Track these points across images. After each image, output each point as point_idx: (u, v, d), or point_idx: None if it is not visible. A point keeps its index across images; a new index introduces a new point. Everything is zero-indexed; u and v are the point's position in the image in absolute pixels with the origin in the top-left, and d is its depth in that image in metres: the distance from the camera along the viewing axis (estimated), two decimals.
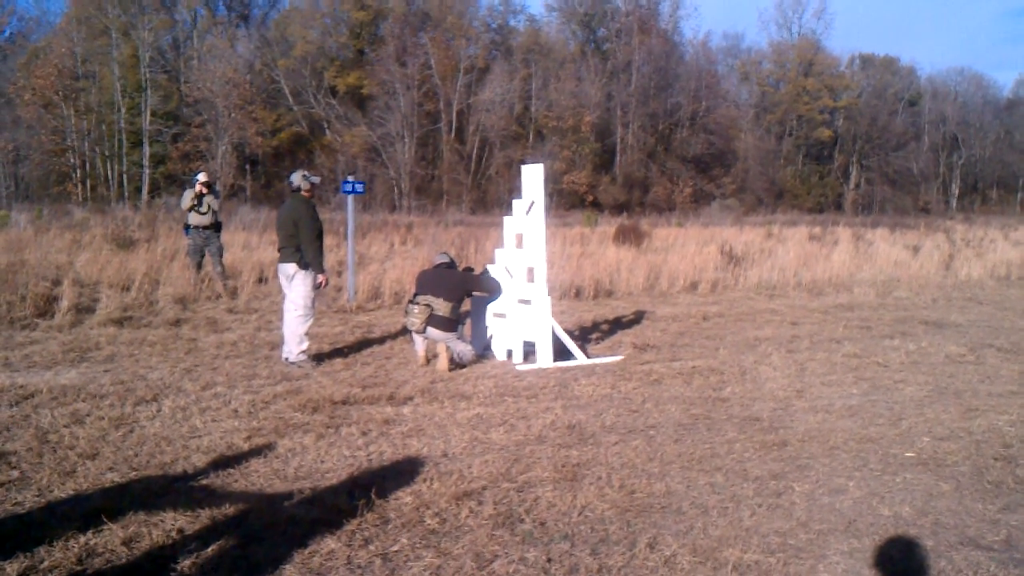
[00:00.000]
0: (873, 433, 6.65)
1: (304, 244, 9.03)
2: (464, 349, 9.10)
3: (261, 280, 15.57)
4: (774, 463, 5.87)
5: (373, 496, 4.96)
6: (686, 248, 23.00)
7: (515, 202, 9.88)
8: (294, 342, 9.01)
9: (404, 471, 5.54)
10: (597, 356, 9.89)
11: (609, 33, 76.66)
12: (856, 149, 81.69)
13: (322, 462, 5.72)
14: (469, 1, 73.79)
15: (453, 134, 67.05)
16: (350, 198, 14.23)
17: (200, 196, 14.22)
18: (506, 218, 10.03)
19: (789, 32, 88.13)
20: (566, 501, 5.04)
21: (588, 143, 67.74)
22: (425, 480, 5.35)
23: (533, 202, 9.56)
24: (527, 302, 9.45)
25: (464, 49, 69.30)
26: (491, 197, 62.55)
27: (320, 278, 9.11)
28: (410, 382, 8.29)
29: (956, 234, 33.33)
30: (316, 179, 9.47)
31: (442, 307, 8.98)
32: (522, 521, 4.75)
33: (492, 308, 9.86)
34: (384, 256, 20.20)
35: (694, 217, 51.35)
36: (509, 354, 9.70)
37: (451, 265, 9.72)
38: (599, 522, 4.76)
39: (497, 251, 10.03)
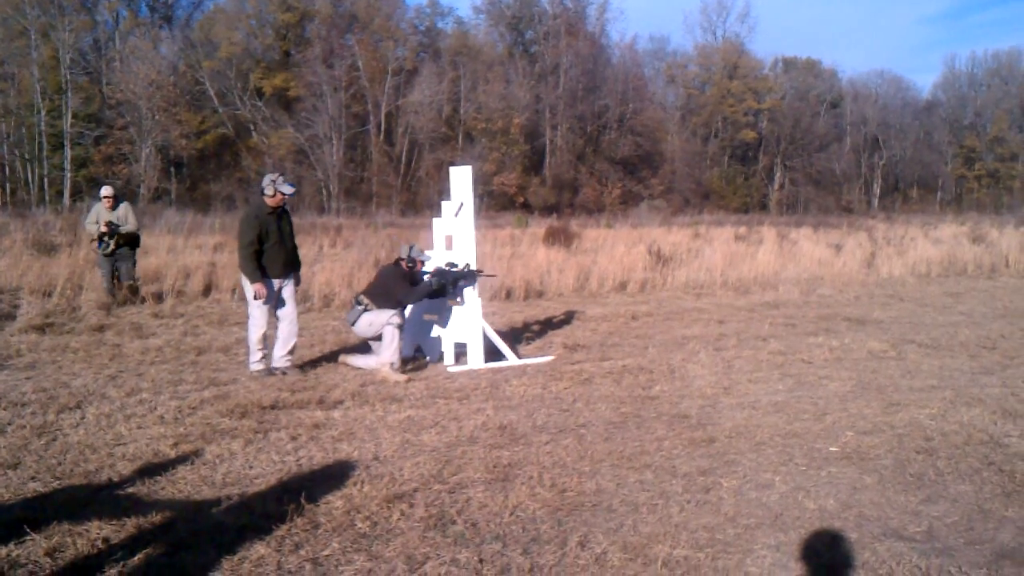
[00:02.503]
0: (798, 428, 6.77)
1: (237, 250, 8.87)
2: (367, 362, 9.05)
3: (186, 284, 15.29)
4: (702, 459, 5.95)
5: (303, 501, 4.92)
6: (615, 249, 23.16)
7: (444, 204, 9.87)
8: (250, 350, 8.81)
9: (334, 475, 5.50)
10: (528, 357, 9.92)
11: (537, 36, 76.90)
12: (780, 150, 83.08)
13: (251, 468, 5.65)
14: (396, 3, 73.51)
15: (382, 136, 66.71)
16: None
17: (109, 224, 13.22)
18: (435, 220, 10.02)
19: (714, 35, 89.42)
20: (498, 501, 5.05)
21: (517, 145, 67.90)
22: (356, 484, 5.32)
23: (462, 204, 9.57)
24: (458, 303, 9.45)
25: (392, 51, 68.95)
26: (421, 199, 62.34)
27: (253, 287, 8.60)
28: (340, 386, 8.23)
29: (878, 233, 34.05)
30: (288, 189, 8.84)
31: (367, 302, 8.98)
32: (454, 522, 4.74)
33: (423, 309, 9.83)
34: (313, 259, 19.99)
35: (623, 218, 51.73)
36: (441, 356, 9.69)
37: (404, 263, 9.35)
38: (531, 522, 4.78)
39: (427, 253, 10.01)
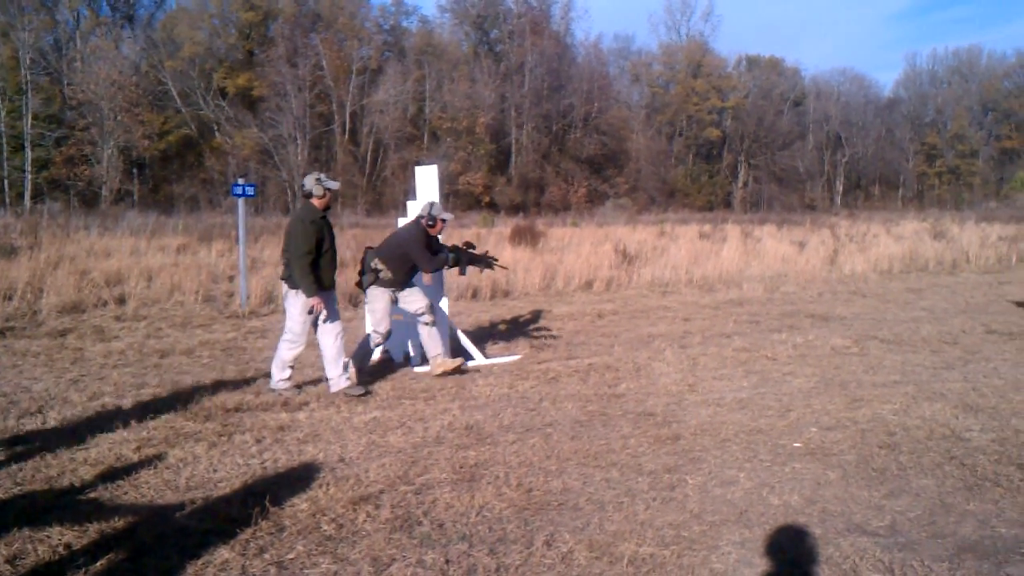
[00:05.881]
0: (763, 425, 6.82)
1: (292, 260, 7.81)
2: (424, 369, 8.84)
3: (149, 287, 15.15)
4: (668, 457, 5.97)
5: (268, 504, 4.89)
6: (581, 247, 23.22)
7: (410, 203, 9.84)
8: (277, 368, 7.95)
9: (299, 477, 5.47)
10: (495, 356, 9.92)
11: (502, 35, 76.86)
12: (744, 148, 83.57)
13: (215, 471, 5.61)
14: (360, 2, 73.24)
15: (347, 136, 66.41)
16: (241, 201, 13.97)
17: None
18: (401, 220, 9.98)
19: (678, 34, 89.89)
20: (464, 502, 5.05)
21: (483, 144, 67.82)
22: (321, 486, 5.29)
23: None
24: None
25: (356, 50, 68.66)
26: (387, 199, 62.10)
27: (310, 301, 7.77)
28: (305, 387, 8.19)
29: (840, 230, 34.35)
30: (334, 184, 8.14)
31: (381, 267, 8.54)
32: (420, 523, 4.73)
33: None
34: (277, 260, 19.86)
35: (589, 217, 51.84)
36: (406, 357, 9.67)
37: (424, 221, 8.77)
38: (497, 521, 4.77)
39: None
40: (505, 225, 37.29)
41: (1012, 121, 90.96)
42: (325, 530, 4.63)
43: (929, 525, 4.77)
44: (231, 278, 16.47)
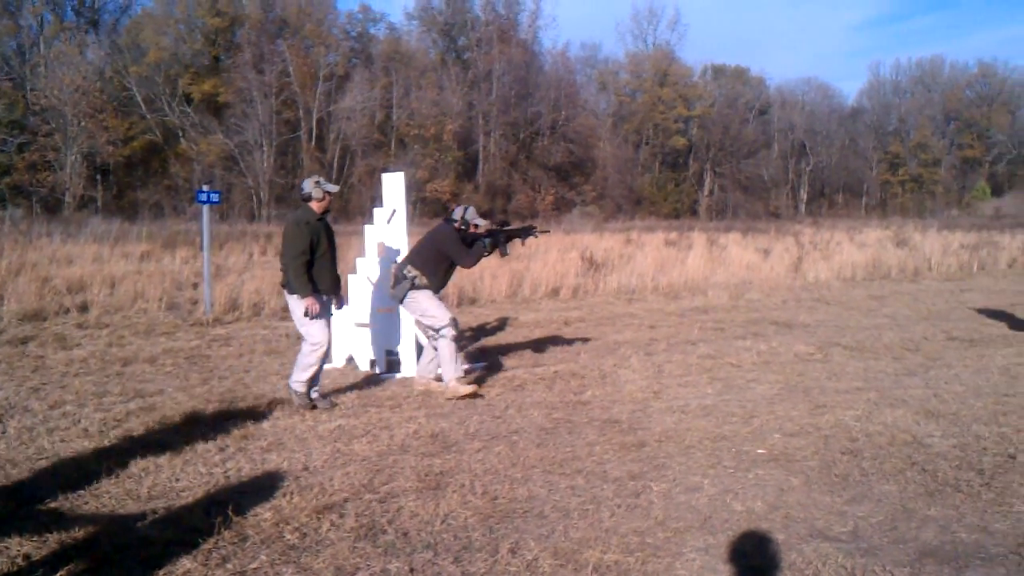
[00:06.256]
0: (727, 431, 6.85)
1: (286, 262, 7.70)
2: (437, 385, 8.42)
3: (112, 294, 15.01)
4: (633, 464, 5.99)
5: (230, 513, 4.85)
6: (548, 255, 23.23)
7: (377, 211, 9.82)
8: (297, 368, 7.70)
9: (263, 486, 5.43)
10: (460, 364, 9.90)
11: (469, 42, 76.84)
12: (710, 157, 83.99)
13: (177, 480, 5.56)
14: (328, 8, 72.90)
15: (313, 142, 66.10)
16: (205, 208, 13.87)
17: None
18: (367, 227, 9.96)
19: (644, 43, 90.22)
20: (429, 510, 5.03)
21: (450, 151, 67.75)
22: (285, 495, 5.26)
23: (394, 210, 9.54)
24: (389, 311, 9.39)
25: (323, 57, 68.34)
26: (353, 206, 61.83)
27: (305, 302, 7.57)
28: (270, 395, 8.14)
29: (804, 237, 34.58)
30: (333, 187, 8.02)
31: (415, 273, 8.23)
32: (384, 532, 4.71)
33: (355, 317, 9.76)
34: (242, 267, 19.78)
35: (556, 224, 51.91)
36: (372, 364, 9.63)
37: (457, 225, 8.52)
38: (462, 529, 4.77)
39: (358, 260, 9.95)
40: None
41: (974, 130, 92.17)
42: (289, 539, 4.60)
43: (891, 530, 4.81)
44: (195, 285, 16.34)
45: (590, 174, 75.98)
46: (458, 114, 69.19)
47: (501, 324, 13.40)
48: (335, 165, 65.71)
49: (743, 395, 8.29)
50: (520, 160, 73.44)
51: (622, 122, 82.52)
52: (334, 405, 7.77)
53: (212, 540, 4.55)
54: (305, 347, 7.68)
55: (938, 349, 11.08)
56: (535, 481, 5.60)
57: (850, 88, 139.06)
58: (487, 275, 17.75)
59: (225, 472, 5.74)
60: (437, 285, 8.40)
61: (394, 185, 9.57)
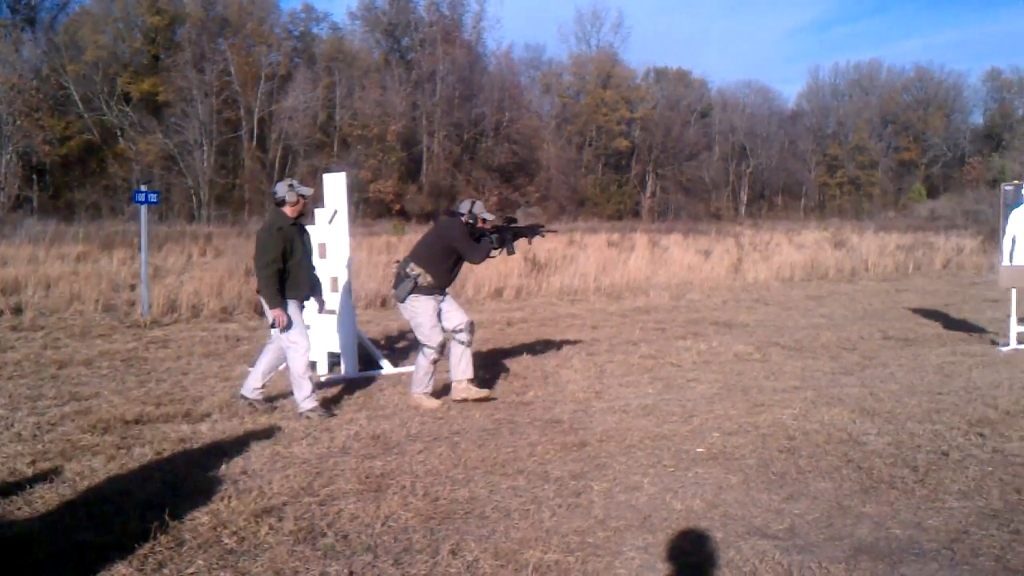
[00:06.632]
0: (667, 431, 6.90)
1: (256, 269, 7.53)
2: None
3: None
4: (574, 463, 6.01)
5: (167, 518, 4.78)
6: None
7: (318, 211, 9.75)
8: (296, 387, 7.49)
9: (200, 490, 5.36)
10: (403, 365, 9.87)
11: (413, 43, 76.61)
12: (652, 159, 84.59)
13: (113, 485, 5.47)
14: (270, 7, 72.20)
15: (255, 142, 65.44)
16: (143, 208, 13.67)
17: None
18: (309, 227, 9.87)
19: (588, 45, 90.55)
20: (369, 512, 5.01)
21: (394, 152, 67.47)
22: (223, 498, 5.19)
23: (336, 211, 9.47)
24: (332, 312, 9.33)
25: (265, 56, 67.72)
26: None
27: (273, 313, 7.37)
28: (208, 398, 8.04)
29: (744, 239, 35.00)
30: (307, 191, 7.70)
31: (419, 271, 7.83)
32: (324, 535, 4.68)
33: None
34: (181, 268, 19.53)
35: None
36: (313, 365, 9.55)
37: (464, 219, 8.09)
38: (403, 531, 4.75)
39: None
40: (416, 233, 37.08)
41: (910, 133, 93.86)
42: (226, 543, 4.55)
43: (827, 527, 4.88)
44: (133, 287, 16.10)
45: (534, 175, 76.13)
46: (401, 114, 68.95)
47: None
48: (277, 165, 65.09)
49: (683, 395, 8.37)
50: (464, 161, 73.39)
51: (566, 124, 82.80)
52: (274, 409, 7.70)
53: (148, 545, 4.47)
54: (290, 354, 7.49)
55: (874, 348, 11.27)
56: (476, 482, 5.60)
57: (790, 91, 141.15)
58: None
59: (162, 476, 5.66)
60: (442, 283, 7.99)
61: (336, 186, 9.51)
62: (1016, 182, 11.69)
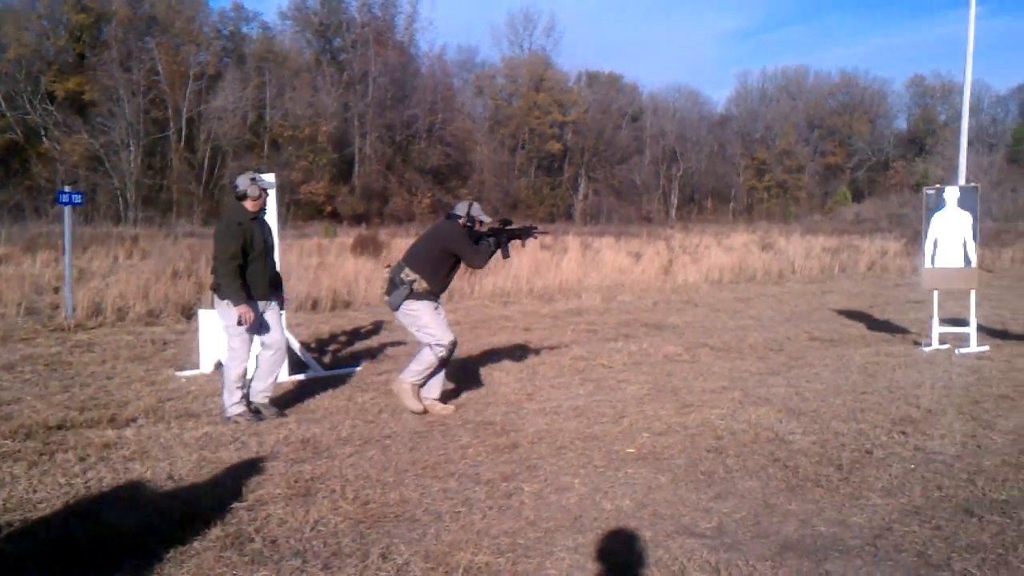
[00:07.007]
0: (598, 431, 6.95)
1: (217, 265, 7.28)
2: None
3: None
4: (505, 465, 6.03)
5: (92, 525, 4.69)
6: None
7: None
8: (226, 392, 7.34)
9: (126, 497, 5.27)
10: (334, 368, 9.80)
11: (345, 43, 76.08)
12: (584, 162, 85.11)
13: (35, 492, 5.35)
14: (199, 6, 71.10)
15: (183, 143, 64.40)
16: (67, 209, 13.38)
17: None
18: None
19: (520, 48, 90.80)
20: (298, 517, 4.96)
21: (325, 153, 66.93)
22: (148, 505, 5.11)
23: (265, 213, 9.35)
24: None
25: (194, 55, 66.71)
26: (224, 208, 60.47)
27: (238, 310, 7.14)
28: (133, 403, 7.89)
29: (675, 241, 35.34)
30: (270, 184, 7.58)
31: (414, 277, 7.46)
32: (252, 540, 4.62)
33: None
34: (107, 270, 19.14)
35: None
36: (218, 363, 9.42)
37: (462, 221, 7.77)
38: (332, 536, 4.71)
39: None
40: (348, 235, 36.86)
41: (836, 138, 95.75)
42: (152, 550, 4.46)
43: (754, 525, 4.95)
44: (56, 290, 15.74)
45: (467, 177, 76.09)
46: (333, 115, 68.45)
47: (376, 328, 13.31)
48: (206, 166, 64.20)
49: (614, 395, 8.43)
50: (396, 163, 73.07)
51: (499, 126, 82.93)
52: (284, 415, 7.55)
53: (72, 553, 4.39)
54: (228, 361, 7.39)
55: (800, 349, 11.47)
56: (407, 485, 5.58)
57: (719, 96, 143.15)
58: (362, 279, 17.62)
59: (86, 482, 5.55)
60: (438, 289, 7.69)
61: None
62: (938, 186, 11.97)
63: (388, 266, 7.99)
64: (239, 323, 7.19)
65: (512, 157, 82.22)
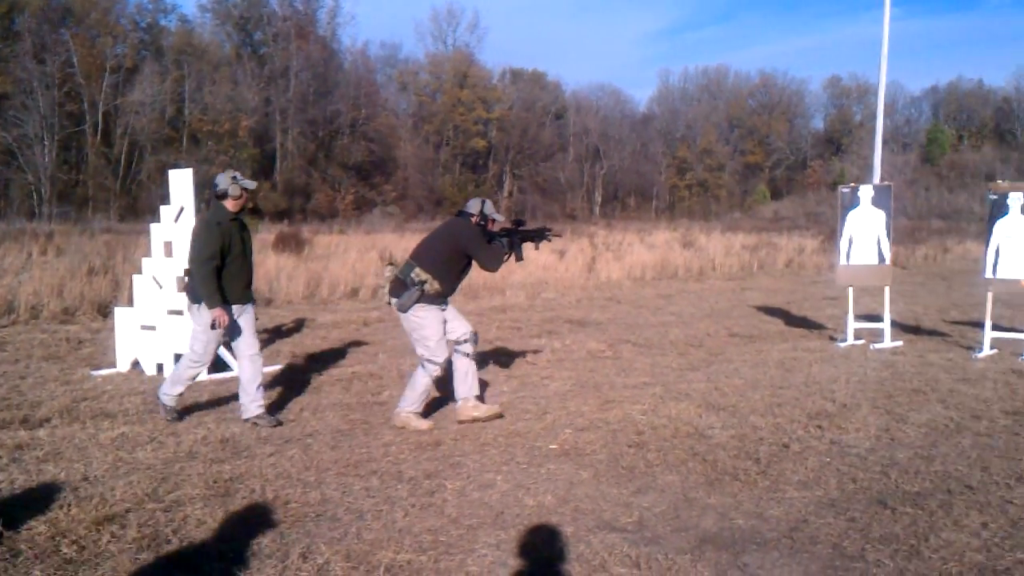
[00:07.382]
0: (521, 428, 6.99)
1: (192, 267, 6.99)
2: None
3: None
4: (428, 463, 6.02)
5: (1, 528, 4.56)
6: (348, 255, 23.01)
7: (163, 209, 9.46)
8: (170, 381, 7.19)
9: (38, 499, 5.13)
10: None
11: (266, 37, 75.20)
12: (509, 159, 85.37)
13: None
14: None
15: (99, 137, 63.02)
16: None
17: None
18: (153, 226, 9.58)
19: (444, 44, 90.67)
20: (217, 517, 4.89)
21: (246, 148, 66.06)
22: (62, 507, 4.99)
23: (183, 209, 9.22)
24: (178, 313, 9.07)
25: (111, 48, 65.25)
26: (142, 203, 59.16)
27: (212, 313, 6.88)
28: (47, 403, 7.69)
29: (598, 239, 35.58)
30: (250, 184, 7.19)
31: (425, 278, 6.96)
32: (169, 542, 4.55)
33: (140, 319, 9.37)
34: (20, 267, 18.62)
35: (356, 224, 51.51)
36: (159, 368, 9.27)
37: (475, 219, 7.31)
38: (251, 536, 4.64)
39: (145, 260, 9.57)
40: (269, 232, 36.39)
41: (755, 137, 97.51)
42: (65, 553, 4.38)
43: (674, 519, 5.01)
44: None
45: (391, 174, 75.77)
46: (254, 110, 67.62)
47: (298, 325, 13.18)
48: (123, 160, 62.91)
49: (537, 392, 8.48)
50: (319, 158, 72.46)
51: (423, 122, 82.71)
52: (279, 423, 7.29)
53: None
54: (185, 360, 7.19)
55: (720, 345, 11.65)
56: (329, 484, 5.54)
57: (641, 95, 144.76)
58: (284, 276, 17.44)
59: None
60: (448, 291, 7.22)
61: (182, 182, 9.25)
62: (853, 184, 12.25)
63: (390, 264, 7.63)
64: (213, 326, 6.95)
65: (436, 154, 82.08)
